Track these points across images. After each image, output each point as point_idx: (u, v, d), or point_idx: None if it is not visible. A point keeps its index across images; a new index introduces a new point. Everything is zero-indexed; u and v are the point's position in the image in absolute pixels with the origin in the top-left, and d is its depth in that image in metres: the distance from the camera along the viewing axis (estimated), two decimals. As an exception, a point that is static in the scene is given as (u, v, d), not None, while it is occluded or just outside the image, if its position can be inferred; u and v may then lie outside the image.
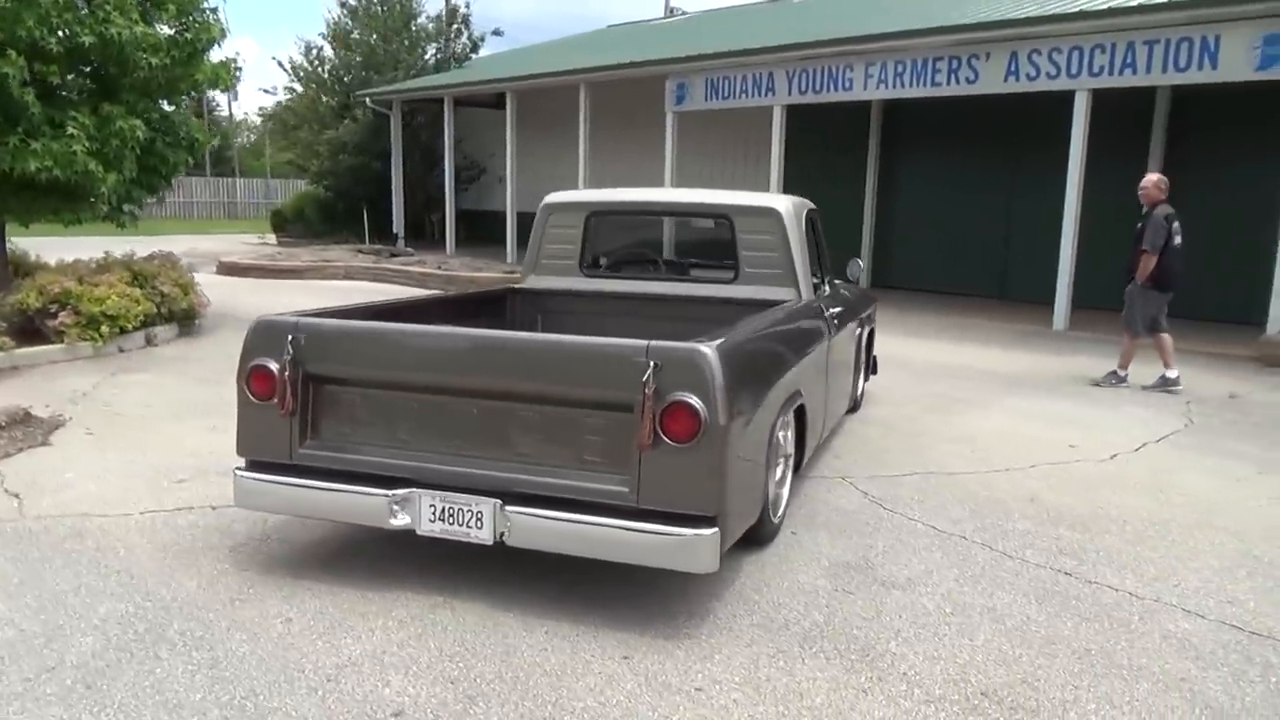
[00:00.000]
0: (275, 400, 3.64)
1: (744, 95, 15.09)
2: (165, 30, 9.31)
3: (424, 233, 24.59)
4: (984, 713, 2.88)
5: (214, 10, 9.61)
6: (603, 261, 5.65)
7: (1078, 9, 11.07)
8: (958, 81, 12.37)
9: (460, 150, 22.36)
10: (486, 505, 3.40)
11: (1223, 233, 11.81)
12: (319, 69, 25.84)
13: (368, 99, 22.83)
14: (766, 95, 14.75)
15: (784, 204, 5.16)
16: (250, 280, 16.11)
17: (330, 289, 15.03)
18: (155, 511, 4.53)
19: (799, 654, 3.22)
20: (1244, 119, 12.03)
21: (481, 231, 23.32)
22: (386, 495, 3.50)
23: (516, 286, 5.63)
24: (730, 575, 3.80)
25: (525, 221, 19.95)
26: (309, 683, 2.96)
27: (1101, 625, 3.51)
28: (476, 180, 24.56)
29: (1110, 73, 11.00)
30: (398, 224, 23.25)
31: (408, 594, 3.61)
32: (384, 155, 23.33)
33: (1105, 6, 10.82)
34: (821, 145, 16.59)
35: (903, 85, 12.98)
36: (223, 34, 9.60)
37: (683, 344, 3.25)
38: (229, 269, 17.27)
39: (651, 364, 3.16)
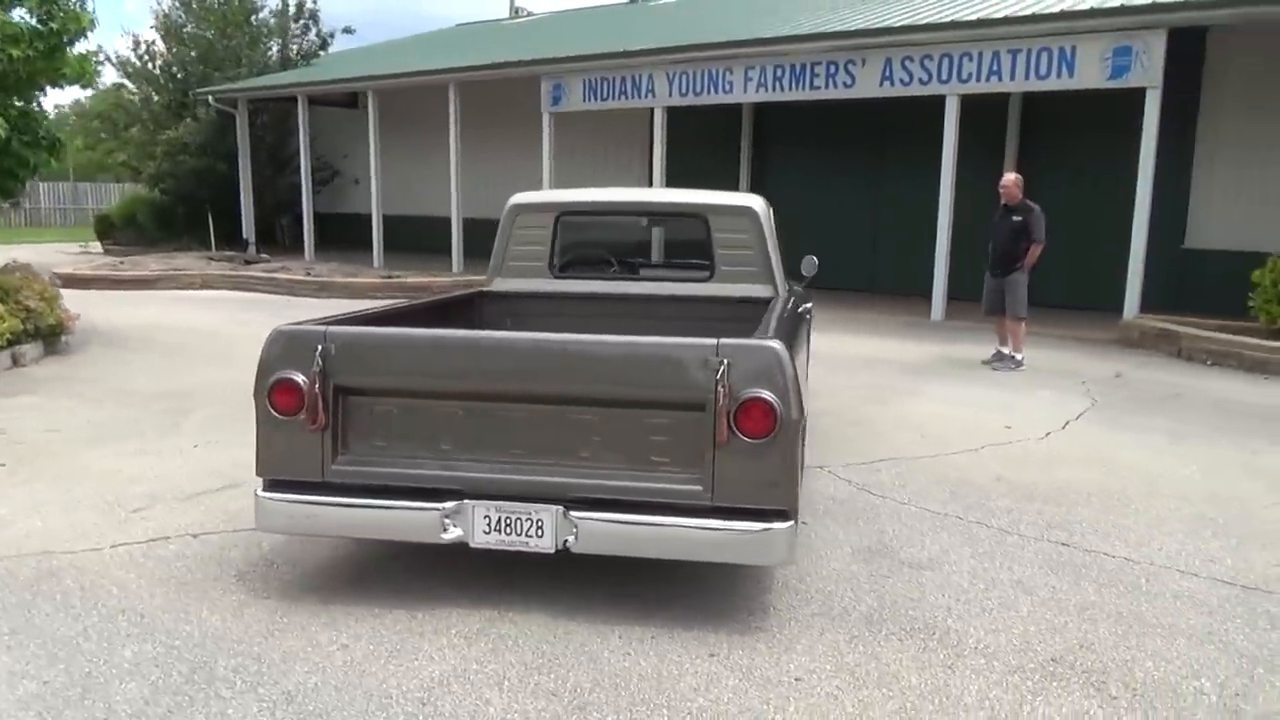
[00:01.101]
0: (302, 415, 3.42)
1: (623, 97, 15.19)
2: (26, 19, 8.50)
3: (274, 238, 23.40)
4: (1063, 678, 3.06)
5: (81, -1, 8.85)
6: (573, 262, 5.58)
7: (950, 19, 11.78)
8: (835, 86, 12.90)
9: (312, 151, 21.41)
10: (547, 513, 3.32)
11: (1073, 225, 12.85)
12: (149, 65, 24.10)
13: (210, 97, 21.50)
14: (647, 96, 14.90)
15: (758, 202, 5.27)
16: (97, 293, 14.83)
17: (193, 300, 14.11)
18: (128, 544, 4.14)
19: (872, 638, 3.31)
20: (1090, 121, 13.12)
21: (337, 236, 22.39)
22: (438, 509, 3.35)
23: (485, 289, 5.48)
24: (767, 567, 3.85)
25: (392, 225, 19.71)
26: (405, 709, 2.81)
27: (1118, 590, 3.78)
28: (330, 183, 23.57)
29: (978, 79, 11.76)
30: (248, 229, 22.02)
31: (455, 609, 3.47)
32: (229, 156, 22.03)
33: (975, 18, 11.56)
34: (694, 145, 16.90)
35: (782, 89, 13.42)
36: (92, 24, 8.84)
37: (753, 340, 3.28)
38: (69, 281, 15.80)
39: (724, 362, 3.17)
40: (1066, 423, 6.70)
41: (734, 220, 5.24)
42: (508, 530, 3.36)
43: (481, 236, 18.77)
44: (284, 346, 3.47)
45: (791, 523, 3.23)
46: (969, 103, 12.18)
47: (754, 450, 3.19)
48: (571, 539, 3.30)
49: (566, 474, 3.35)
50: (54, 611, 3.47)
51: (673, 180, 15.21)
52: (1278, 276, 9.29)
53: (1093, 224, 12.96)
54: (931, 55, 12.01)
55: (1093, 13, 10.70)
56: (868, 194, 15.63)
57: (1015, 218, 8.56)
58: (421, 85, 17.95)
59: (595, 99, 15.55)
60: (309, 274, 16.31)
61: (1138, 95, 10.87)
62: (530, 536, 3.34)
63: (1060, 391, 7.83)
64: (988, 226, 9.03)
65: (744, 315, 5.20)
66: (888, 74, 12.40)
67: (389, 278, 15.65)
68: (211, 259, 19.46)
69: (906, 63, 12.22)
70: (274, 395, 3.44)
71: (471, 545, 3.38)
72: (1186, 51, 11.12)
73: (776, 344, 3.24)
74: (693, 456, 3.28)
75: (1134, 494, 5.05)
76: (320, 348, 3.39)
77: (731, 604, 3.56)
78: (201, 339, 10.05)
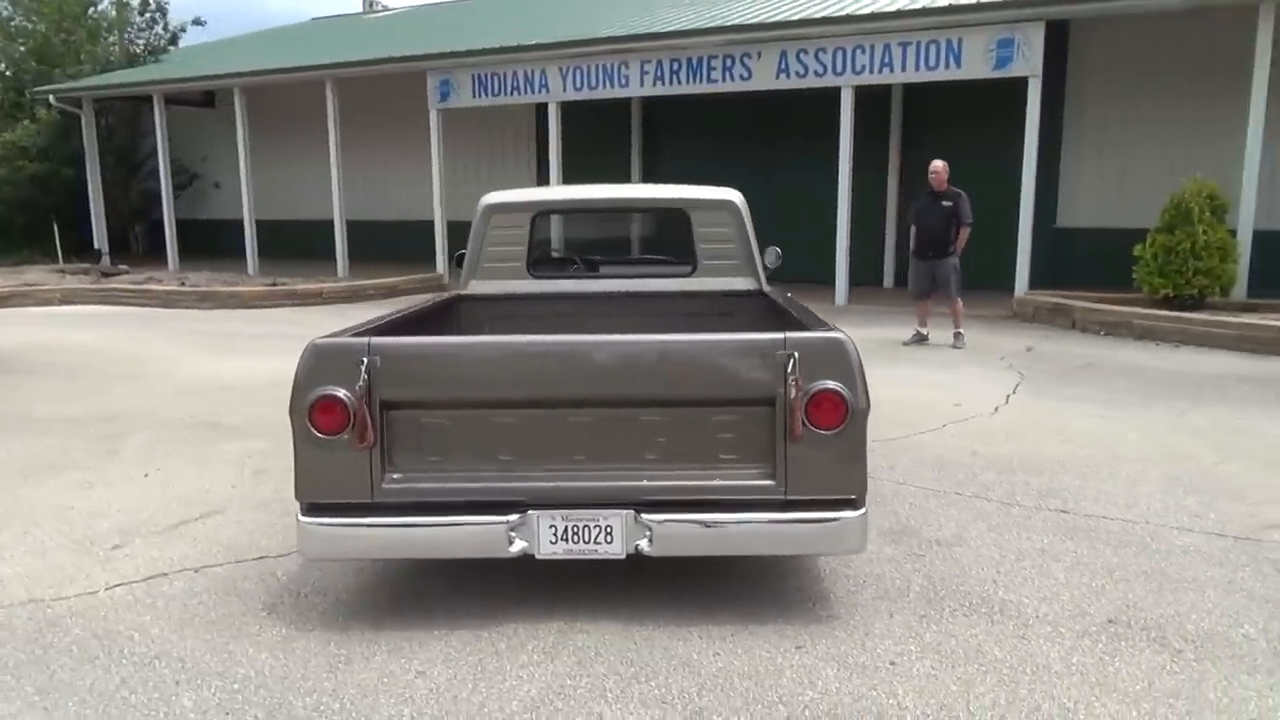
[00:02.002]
0: (348, 434, 3.23)
1: (516, 92, 14.99)
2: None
3: (128, 247, 21.92)
4: (1126, 638, 3.23)
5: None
6: (551, 261, 5.48)
7: (844, 13, 12.17)
8: (732, 79, 13.13)
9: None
10: (617, 518, 3.25)
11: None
12: (-28, 62, 22.12)
13: (51, 97, 19.90)
14: (540, 91, 14.75)
15: (737, 195, 5.31)
16: (-57, 313, 13.56)
17: (62, 317, 13.07)
18: (125, 584, 3.81)
19: (939, 616, 3.41)
20: (967, 109, 13.81)
21: (199, 243, 21.17)
22: (503, 521, 3.24)
23: (462, 293, 5.30)
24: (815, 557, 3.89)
25: (267, 230, 18.76)
26: (521, 732, 2.70)
27: (1132, 550, 4.02)
28: (188, 187, 22.22)
29: (871, 71, 12.22)
30: (99, 239, 20.50)
31: (520, 624, 3.36)
32: (75, 161, 20.47)
33: (868, 11, 11.99)
34: (584, 139, 16.84)
35: (679, 82, 13.55)
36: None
37: (819, 333, 3.31)
38: (-97, 303, 14.39)
39: (793, 355, 3.19)
40: (1007, 397, 7.06)
41: (714, 214, 5.26)
42: (575, 538, 3.27)
43: (367, 240, 18.36)
44: (323, 361, 3.26)
45: (864, 510, 3.28)
46: (854, 93, 12.59)
47: (825, 441, 3.21)
48: (644, 543, 3.25)
49: (634, 477, 3.29)
50: (77, 664, 3.15)
51: (568, 175, 15.13)
52: (1158, 250, 10.05)
53: (976, 207, 13.66)
54: (825, 48, 12.38)
55: (978, 6, 11.29)
56: (760, 184, 15.92)
57: (945, 203, 8.94)
58: (294, 82, 17.18)
59: (486, 94, 15.28)
60: (184, 284, 15.36)
61: (1010, 84, 11.55)
62: (599, 543, 3.27)
63: (985, 368, 8.23)
64: (913, 212, 9.37)
65: (729, 308, 5.26)
66: (784, 67, 12.70)
67: (274, 285, 14.91)
68: (64, 272, 18.08)
69: (802, 55, 12.56)
70: (315, 414, 3.23)
71: (538, 556, 3.27)
72: (1052, 43, 11.86)
73: (842, 334, 3.28)
74: (762, 451, 3.28)
75: (1100, 460, 5.37)
76: (365, 361, 3.21)
77: (790, 596, 3.58)
78: (98, 359, 9.30)
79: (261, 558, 4.06)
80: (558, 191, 5.42)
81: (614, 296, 5.32)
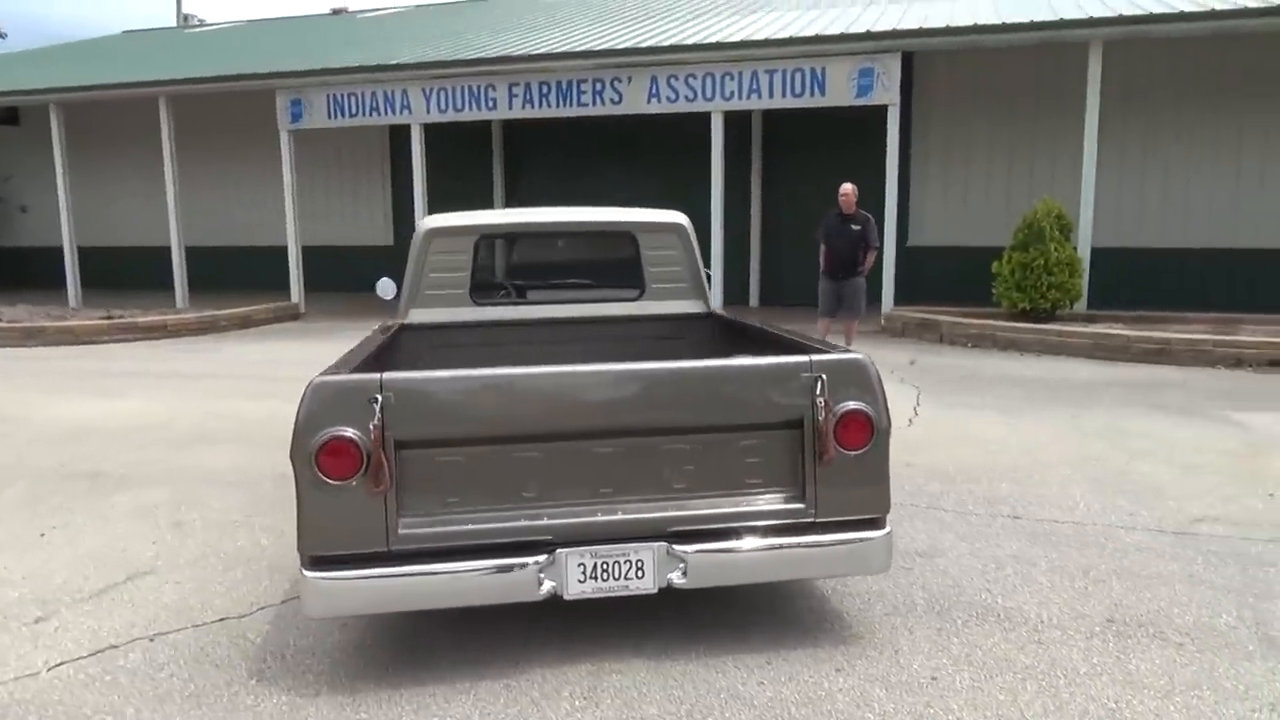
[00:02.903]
0: (359, 478, 2.98)
1: (375, 113, 14.46)
2: None
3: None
4: (1129, 635, 3.40)
5: None
6: (495, 288, 5.28)
7: (714, 40, 12.46)
8: (603, 103, 13.18)
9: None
10: (648, 551, 3.14)
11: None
12: None
13: None
14: (402, 113, 14.30)
15: (683, 218, 5.30)
16: None
17: None
18: (69, 662, 3.34)
19: (955, 628, 3.48)
20: (823, 134, 14.43)
21: (4, 273, 19.29)
22: (533, 563, 3.07)
23: (404, 323, 5.02)
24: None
25: (91, 258, 17.24)
26: (600, 786, 2.55)
27: (1093, 551, 4.25)
28: (-10, 211, 20.21)
29: (740, 96, 12.56)
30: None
31: (547, 670, 3.18)
32: None
33: (737, 39, 12.33)
34: (444, 162, 16.48)
35: (548, 105, 13.47)
36: None
37: (843, 355, 3.33)
38: None
39: (820, 377, 3.19)
40: (915, 408, 7.36)
41: (662, 237, 5.23)
42: (605, 575, 3.14)
43: (207, 267, 17.21)
44: (330, 400, 3.00)
45: (889, 529, 3.31)
46: (739, 118, 12.92)
47: (853, 462, 3.23)
48: (677, 576, 3.15)
49: (663, 508, 3.19)
50: (51, 761, 2.74)
51: (432, 199, 14.73)
52: (1015, 267, 10.80)
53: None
54: (696, 74, 12.64)
55: (840, 38, 11.84)
56: (621, 205, 16.07)
57: (854, 226, 9.25)
58: (124, 99, 15.92)
59: (343, 115, 14.66)
60: (1, 319, 13.86)
61: (861, 111, 12.19)
62: (630, 579, 3.15)
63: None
64: (823, 234, 9.59)
65: (679, 332, 5.24)
66: (654, 91, 12.87)
67: (111, 318, 13.69)
68: None
69: (672, 80, 12.76)
70: (323, 458, 2.96)
71: (566, 597, 3.11)
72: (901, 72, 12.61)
73: (863, 355, 3.32)
74: (789, 474, 3.26)
75: (1025, 466, 5.68)
76: (379, 398, 2.97)
77: (805, 618, 3.57)
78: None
79: (222, 619, 3.68)
80: (501, 215, 5.25)
81: (562, 322, 5.18)
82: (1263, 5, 10.56)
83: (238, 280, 17.13)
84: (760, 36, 12.26)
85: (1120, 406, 7.31)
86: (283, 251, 15.50)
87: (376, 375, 3.02)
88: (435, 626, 3.50)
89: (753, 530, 3.21)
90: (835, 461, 3.20)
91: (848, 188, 9.53)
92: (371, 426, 2.95)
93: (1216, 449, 6.05)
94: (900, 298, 12.75)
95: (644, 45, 12.76)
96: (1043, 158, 13.38)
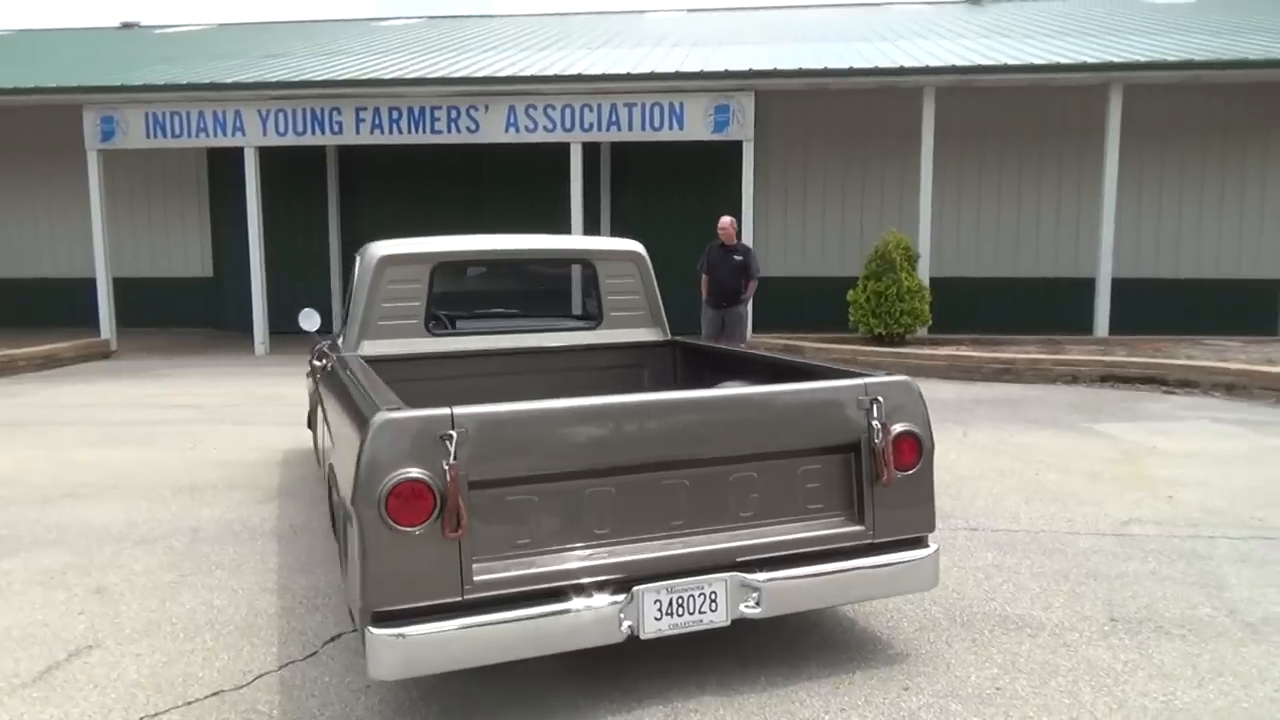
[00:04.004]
0: (431, 522, 2.74)
1: (203, 134, 13.46)
2: None
3: None
4: (1137, 632, 3.64)
5: None
6: (450, 318, 5.02)
7: (574, 73, 12.49)
8: (459, 130, 12.91)
9: None
10: (720, 583, 3.06)
11: (667, 258, 14.40)
12: None
13: None
14: (234, 135, 13.39)
15: (640, 246, 5.26)
16: None
17: None
18: (52, 759, 2.86)
19: (987, 638, 3.60)
20: (674, 167, 14.80)
21: None
22: (615, 602, 2.91)
23: (355, 356, 4.66)
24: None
25: None
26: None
27: (1059, 557, 4.54)
28: None
29: (600, 128, 12.67)
30: None
31: (620, 716, 3.03)
32: None
33: (598, 72, 12.43)
34: (274, 188, 15.57)
35: (399, 131, 13.04)
36: None
37: (892, 377, 3.39)
38: None
39: (877, 399, 3.25)
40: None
41: (621, 265, 5.17)
42: (679, 611, 3.03)
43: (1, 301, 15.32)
44: (399, 438, 2.73)
45: (936, 546, 3.40)
46: (560, 149, 12.95)
47: (904, 482, 3.31)
48: (749, 606, 3.09)
49: (731, 538, 3.13)
50: None
51: (266, 228, 13.88)
52: (870, 295, 11.46)
53: (678, 257, 14.68)
54: (554, 105, 12.64)
55: (701, 75, 12.21)
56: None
57: (736, 257, 9.46)
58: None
59: (164, 135, 13.54)
60: None
61: (709, 145, 12.68)
62: (703, 613, 3.06)
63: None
64: (705, 264, 9.73)
65: (641, 361, 5.19)
66: (512, 121, 12.76)
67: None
68: None
69: (530, 110, 12.70)
70: (393, 503, 2.70)
71: (643, 636, 2.98)
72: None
73: (908, 378, 3.40)
74: (847, 497, 3.29)
75: (949, 481, 5.98)
76: (454, 434, 2.75)
77: (844, 640, 3.59)
78: None
79: (216, 693, 3.25)
80: (457, 242, 4.98)
81: (522, 353, 5.01)
82: (1072, 62, 11.84)
83: (32, 316, 15.39)
84: (621, 71, 12.42)
85: (999, 422, 7.88)
86: (88, 284, 14.06)
87: (447, 410, 2.79)
88: (469, 682, 3.25)
89: (819, 555, 3.20)
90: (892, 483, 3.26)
91: (726, 220, 9.79)
92: (445, 466, 2.72)
93: (1099, 457, 6.63)
94: (755, 326, 13.19)
95: (503, 74, 12.63)
96: (879, 193, 14.35)
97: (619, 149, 14.86)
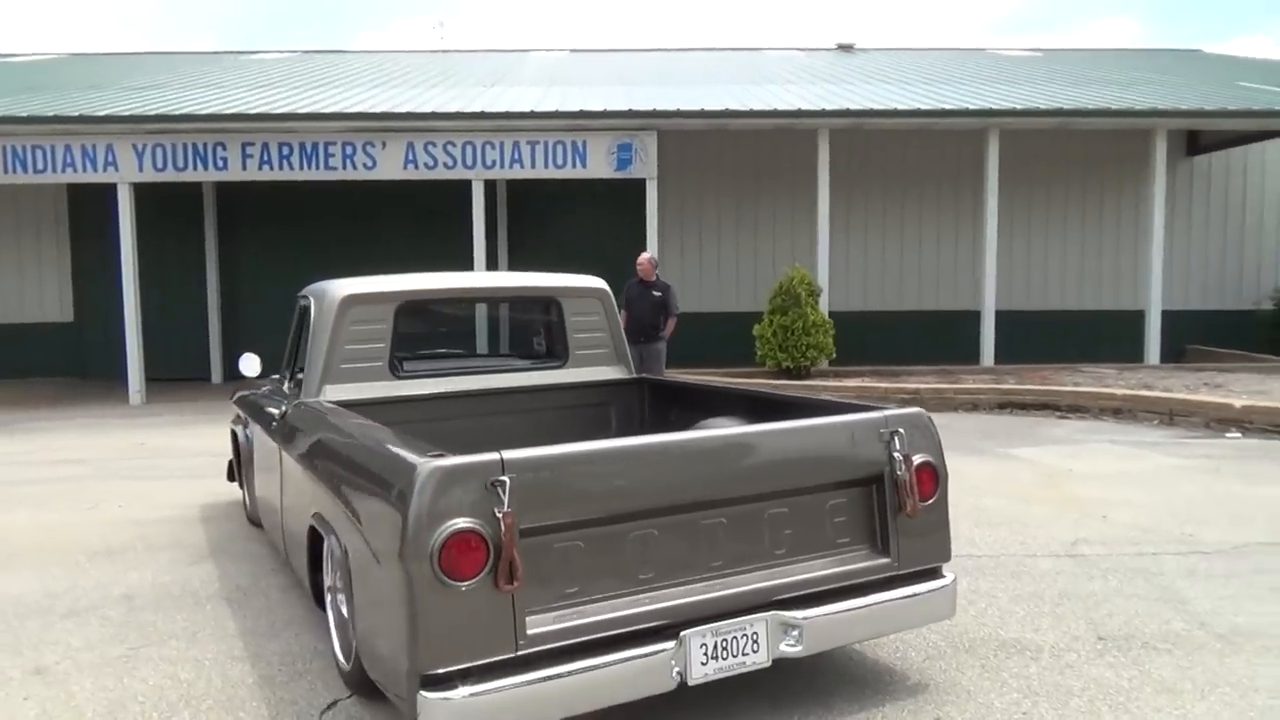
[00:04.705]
0: (484, 575, 2.59)
1: (70, 169, 12.54)
2: None
3: None
4: (1128, 649, 3.78)
5: None
6: (414, 359, 4.80)
7: (476, 109, 12.34)
8: (354, 167, 12.51)
9: None
10: (761, 623, 3.02)
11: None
12: None
13: None
14: (106, 170, 12.53)
15: (603, 283, 5.20)
16: None
17: None
18: None
19: (993, 664, 3.66)
20: (570, 204, 14.80)
21: None
22: (664, 649, 2.82)
23: (315, 402, 4.40)
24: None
25: None
26: None
27: (1027, 579, 4.69)
28: None
29: (502, 165, 12.54)
30: None
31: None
32: None
33: (500, 110, 12.32)
34: (144, 226, 14.68)
35: (290, 168, 12.53)
36: None
37: (906, 410, 3.44)
38: None
39: (898, 432, 3.30)
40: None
41: (585, 302, 5.10)
42: (724, 654, 2.96)
43: None
44: (451, 487, 2.58)
45: (954, 575, 3.45)
46: (453, 187, 12.80)
47: (924, 512, 3.35)
48: (790, 644, 3.05)
49: (768, 577, 3.09)
50: None
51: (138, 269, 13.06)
52: (776, 329, 11.71)
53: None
54: (455, 142, 12.45)
55: (604, 114, 12.28)
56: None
57: (655, 293, 9.47)
58: None
59: (25, 170, 12.55)
60: None
61: (611, 185, 12.82)
62: (746, 655, 3.00)
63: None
64: (624, 300, 9.67)
65: (608, 399, 5.12)
66: (411, 157, 12.48)
67: None
68: None
69: (430, 147, 12.46)
70: (446, 556, 2.54)
71: (690, 683, 2.89)
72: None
73: (921, 409, 3.46)
74: (870, 530, 3.31)
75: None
76: (507, 480, 2.61)
77: (860, 673, 3.59)
78: None
79: (216, 777, 2.97)
80: (420, 280, 4.77)
81: (488, 394, 4.84)
82: (956, 108, 12.56)
83: None
84: (524, 109, 12.36)
85: (920, 451, 8.13)
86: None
87: (496, 455, 2.66)
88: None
89: (851, 589, 3.20)
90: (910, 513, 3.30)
91: (645, 257, 9.86)
92: (499, 514, 2.58)
93: (1024, 482, 6.94)
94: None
95: (401, 110, 12.35)
96: (774, 230, 14.78)
97: (514, 186, 14.75)
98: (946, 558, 3.44)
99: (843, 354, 12.77)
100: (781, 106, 12.57)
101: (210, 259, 15.28)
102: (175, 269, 15.11)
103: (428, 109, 12.39)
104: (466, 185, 12.64)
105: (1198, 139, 15.18)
